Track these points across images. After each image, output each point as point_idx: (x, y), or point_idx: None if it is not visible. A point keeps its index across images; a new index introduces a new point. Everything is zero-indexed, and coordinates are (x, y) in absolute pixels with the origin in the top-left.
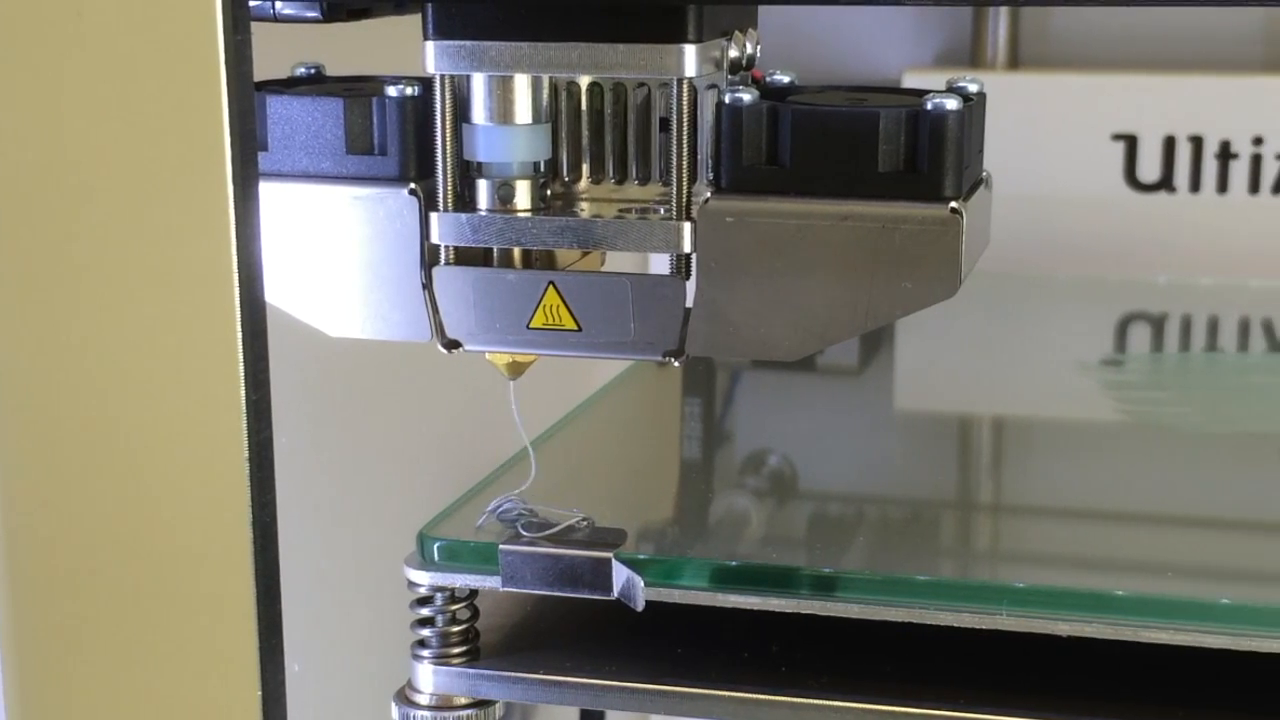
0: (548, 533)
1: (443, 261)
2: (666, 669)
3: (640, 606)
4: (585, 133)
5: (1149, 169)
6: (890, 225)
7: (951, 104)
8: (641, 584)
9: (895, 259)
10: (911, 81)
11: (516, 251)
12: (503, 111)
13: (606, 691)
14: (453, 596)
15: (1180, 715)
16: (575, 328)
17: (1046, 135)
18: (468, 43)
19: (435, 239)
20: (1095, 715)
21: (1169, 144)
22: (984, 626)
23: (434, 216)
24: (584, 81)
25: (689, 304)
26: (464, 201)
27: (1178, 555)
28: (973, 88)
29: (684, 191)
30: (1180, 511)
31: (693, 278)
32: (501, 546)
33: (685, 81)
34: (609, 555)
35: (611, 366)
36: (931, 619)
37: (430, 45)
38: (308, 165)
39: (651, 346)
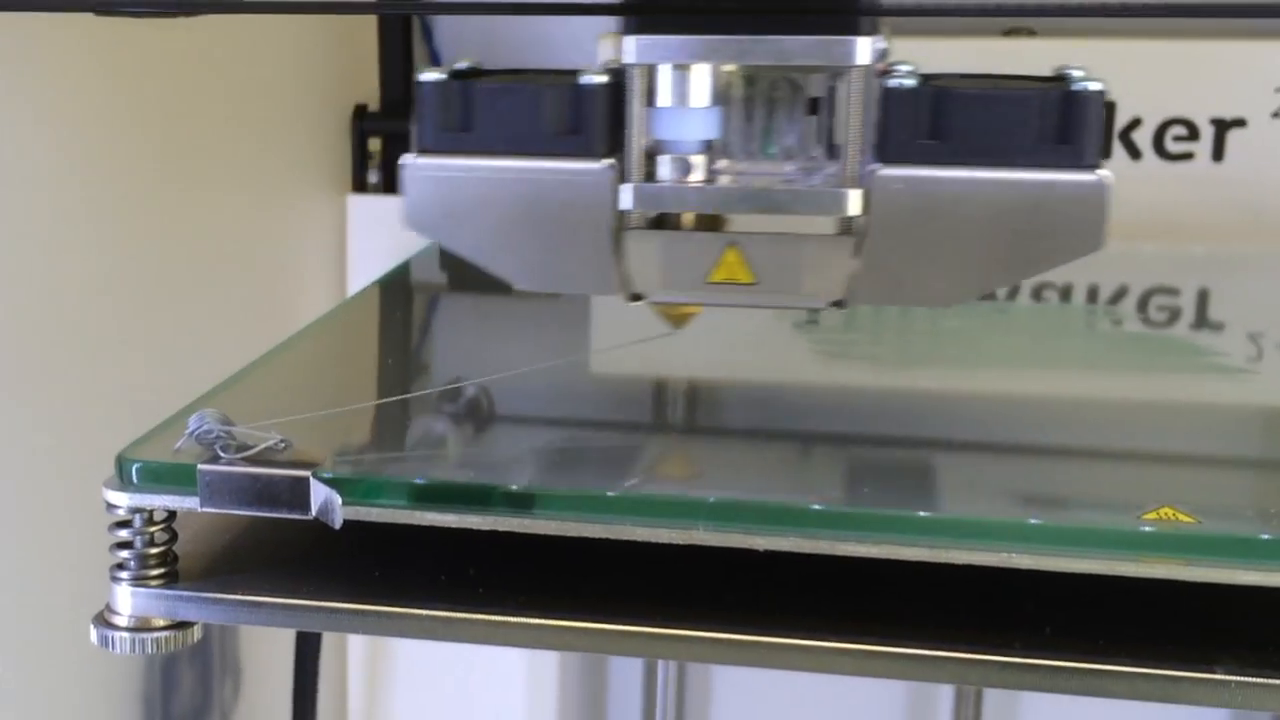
0: (246, 454)
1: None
2: (365, 589)
3: (338, 524)
4: (755, 113)
5: None
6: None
7: (1094, 86)
8: (339, 502)
9: (1043, 222)
10: None
11: (690, 215)
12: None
13: (304, 611)
14: (150, 518)
15: (876, 629)
16: (752, 281)
17: None
18: (661, 38)
19: (624, 206)
20: (788, 628)
21: None
22: (680, 541)
23: (624, 187)
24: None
25: (854, 260)
26: (647, 174)
27: (873, 474)
28: None
29: (853, 162)
30: (874, 431)
31: (857, 237)
32: (200, 467)
33: (858, 69)
34: (307, 474)
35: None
36: (628, 534)
37: (630, 40)
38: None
39: (818, 298)
